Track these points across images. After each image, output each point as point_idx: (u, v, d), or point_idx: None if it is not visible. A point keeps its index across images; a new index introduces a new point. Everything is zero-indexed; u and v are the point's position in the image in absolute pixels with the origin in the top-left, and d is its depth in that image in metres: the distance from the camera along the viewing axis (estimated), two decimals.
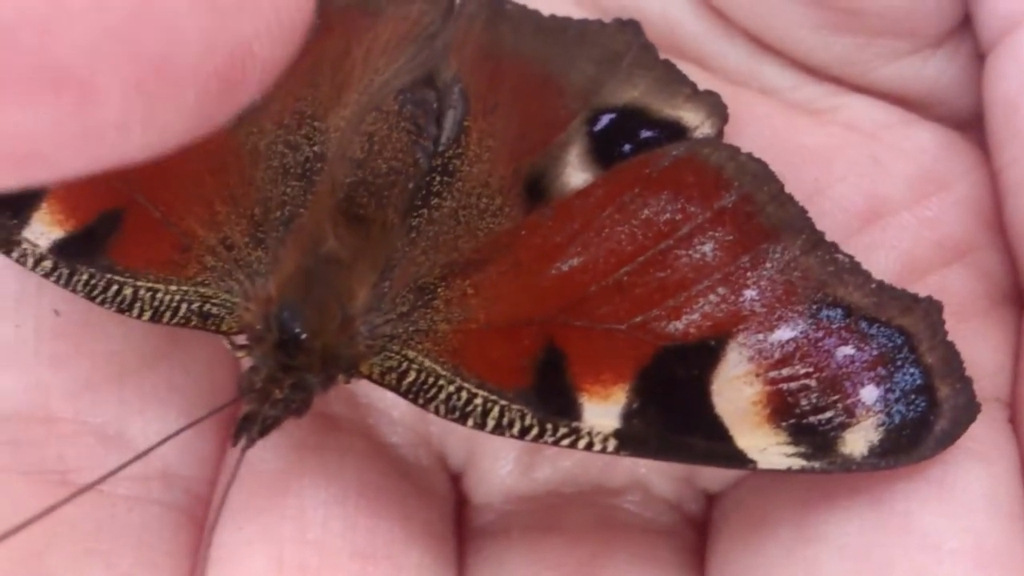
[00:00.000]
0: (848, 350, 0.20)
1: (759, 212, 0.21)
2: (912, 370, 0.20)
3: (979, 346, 0.22)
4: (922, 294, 0.21)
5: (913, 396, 0.20)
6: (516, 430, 0.20)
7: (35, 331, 0.22)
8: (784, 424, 0.20)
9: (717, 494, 0.23)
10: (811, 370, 0.20)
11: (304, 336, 0.20)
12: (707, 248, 0.21)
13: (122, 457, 0.21)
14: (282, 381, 0.20)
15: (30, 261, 0.21)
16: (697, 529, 0.23)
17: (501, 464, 0.23)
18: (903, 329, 0.20)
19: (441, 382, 0.20)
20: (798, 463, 0.20)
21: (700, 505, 0.23)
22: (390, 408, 0.23)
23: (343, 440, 0.23)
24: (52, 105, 0.13)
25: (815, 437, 0.20)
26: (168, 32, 0.13)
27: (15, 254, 0.21)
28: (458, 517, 0.24)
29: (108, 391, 0.21)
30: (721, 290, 0.21)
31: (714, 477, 0.23)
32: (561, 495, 0.23)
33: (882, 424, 0.20)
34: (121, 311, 0.21)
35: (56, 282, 0.21)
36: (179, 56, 0.13)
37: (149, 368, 0.22)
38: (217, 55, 0.14)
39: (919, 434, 0.20)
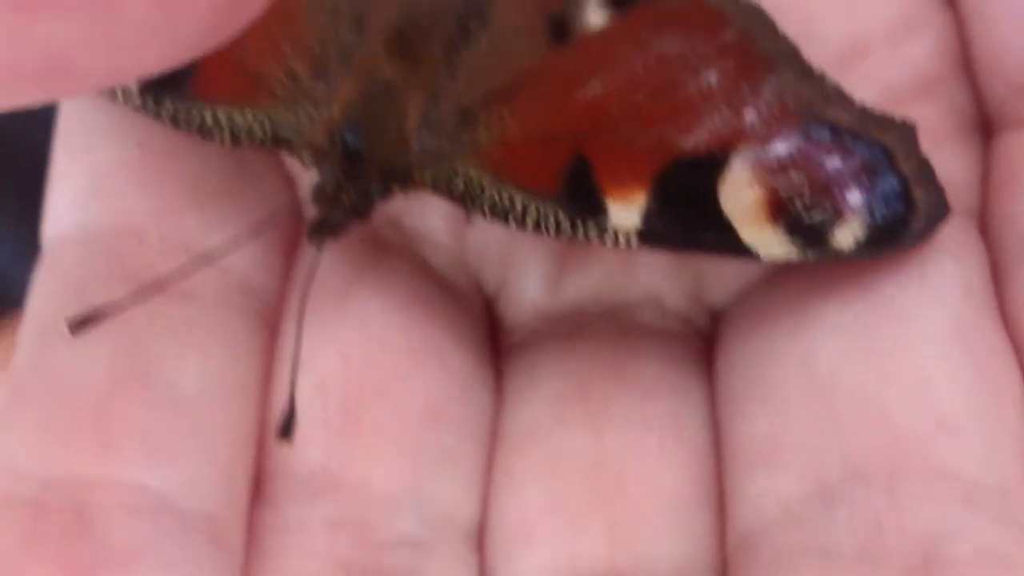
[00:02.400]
0: (835, 161, 0.23)
1: (756, 46, 0.24)
2: (891, 178, 0.23)
3: (950, 167, 0.25)
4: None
5: (892, 199, 0.23)
6: (551, 228, 0.23)
7: (122, 161, 0.24)
8: (782, 222, 0.23)
9: (722, 311, 0.26)
10: (803, 178, 0.23)
11: (365, 150, 0.23)
12: (712, 77, 0.24)
13: (203, 272, 0.23)
14: (348, 189, 0.23)
15: (120, 96, 0.24)
16: (705, 340, 0.26)
17: (531, 286, 0.26)
18: (882, 144, 0.23)
19: (486, 189, 0.23)
20: (794, 252, 0.23)
21: (707, 321, 0.26)
22: (433, 234, 0.26)
23: (393, 260, 0.25)
24: (83, 15, 0.14)
25: (808, 233, 0.23)
26: None
27: (106, 93, 0.24)
28: (493, 336, 0.27)
29: (190, 212, 0.24)
30: (725, 111, 0.24)
31: (720, 293, 0.26)
32: (585, 312, 0.26)
33: (865, 222, 0.23)
34: (201, 134, 0.23)
35: (146, 113, 0.24)
36: None
37: (224, 192, 0.25)
38: None
39: (898, 231, 0.23)
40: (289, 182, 0.26)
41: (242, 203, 0.25)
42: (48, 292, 0.23)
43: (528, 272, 0.26)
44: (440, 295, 0.25)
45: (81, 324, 0.22)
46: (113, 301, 0.22)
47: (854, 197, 0.23)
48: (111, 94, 0.24)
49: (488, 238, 0.26)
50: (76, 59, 0.15)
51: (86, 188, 0.24)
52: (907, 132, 0.24)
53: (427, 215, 0.26)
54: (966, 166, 0.25)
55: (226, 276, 0.24)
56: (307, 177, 0.24)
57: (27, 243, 0.25)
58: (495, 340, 0.26)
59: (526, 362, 0.26)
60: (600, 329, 0.26)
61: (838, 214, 0.23)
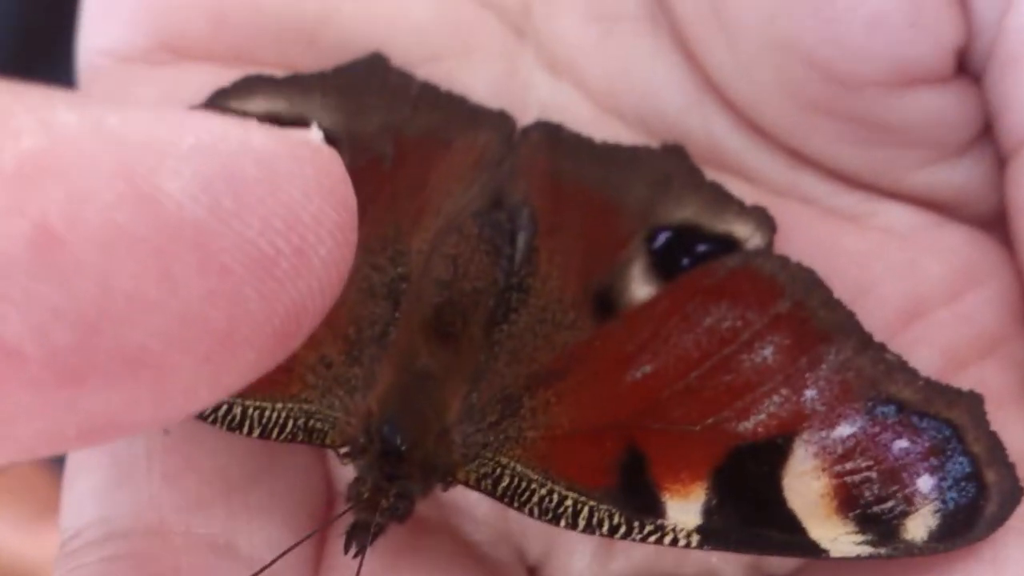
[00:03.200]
0: (903, 443, 0.22)
1: (812, 317, 0.23)
2: (961, 459, 0.22)
3: (1015, 432, 0.23)
4: (964, 387, 0.23)
5: (964, 483, 0.22)
6: (606, 529, 0.21)
7: (147, 450, 0.23)
8: (851, 515, 0.22)
9: None
10: (871, 463, 0.22)
11: (405, 448, 0.21)
12: (767, 352, 0.23)
13: (232, 566, 0.22)
14: (387, 491, 0.21)
15: None
16: None
17: (578, 557, 0.25)
18: (950, 422, 0.22)
19: (533, 486, 0.22)
20: (866, 550, 0.21)
21: None
22: (472, 508, 0.25)
23: (432, 541, 0.24)
24: (130, 384, 0.14)
25: (879, 525, 0.21)
26: (234, 306, 0.14)
27: None
28: None
29: (216, 504, 0.23)
30: (783, 390, 0.22)
31: (780, 563, 0.25)
32: None
33: (938, 510, 0.21)
34: (231, 429, 0.22)
35: None
36: (243, 325, 0.15)
37: (252, 481, 0.23)
38: (276, 318, 0.15)
39: (972, 518, 0.22)
40: (318, 461, 0.25)
41: (270, 491, 0.23)
42: None
43: (576, 545, 0.25)
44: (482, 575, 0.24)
45: None
46: None
47: (924, 482, 0.22)
48: None
49: None
50: (121, 419, 0.14)
51: (108, 480, 0.23)
52: (974, 405, 0.22)
53: (466, 489, 0.25)
54: None
55: (254, 567, 0.22)
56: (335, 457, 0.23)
57: None
58: None
59: None
60: None
61: (909, 502, 0.22)
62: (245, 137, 0.15)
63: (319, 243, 0.15)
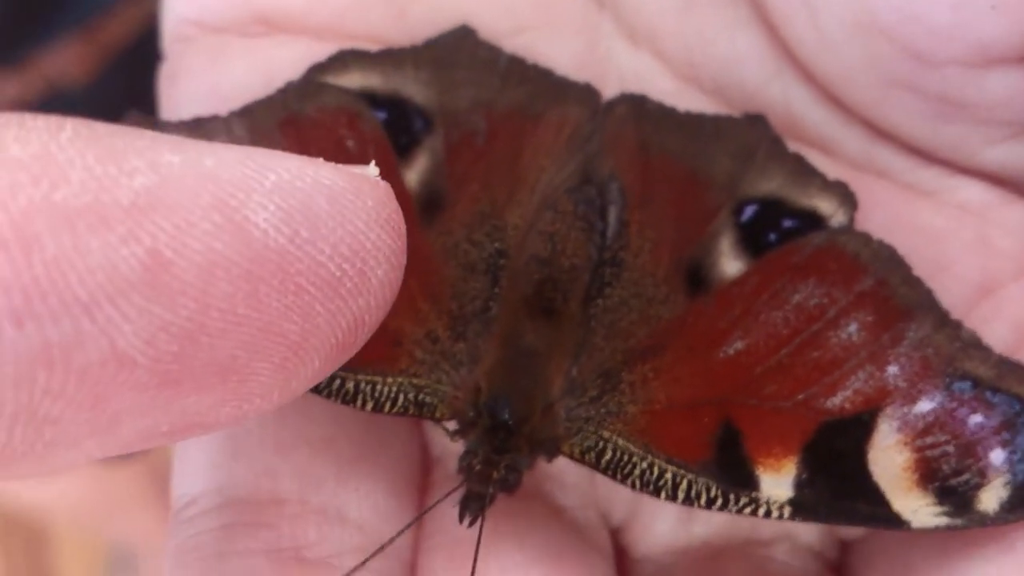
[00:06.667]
0: (978, 418, 0.23)
1: (894, 294, 0.24)
2: None
3: None
4: None
5: None
6: (703, 501, 0.23)
7: (260, 423, 0.24)
8: (931, 487, 0.23)
9: (852, 541, 0.26)
10: (949, 437, 0.23)
11: (513, 422, 0.23)
12: (852, 328, 0.24)
13: (343, 533, 0.23)
14: (498, 463, 0.22)
15: None
16: (834, 570, 0.26)
17: (661, 520, 0.26)
18: (1021, 397, 0.23)
19: (635, 459, 0.23)
20: (944, 521, 0.23)
21: (837, 552, 0.26)
22: (562, 475, 0.26)
23: (527, 506, 0.25)
24: (218, 388, 0.16)
25: (956, 497, 0.23)
26: (306, 321, 0.17)
27: None
28: (620, 569, 0.26)
29: (327, 474, 0.24)
30: (868, 366, 0.23)
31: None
32: (716, 548, 0.26)
33: (1008, 482, 0.23)
34: (345, 403, 0.23)
35: None
36: (312, 336, 0.17)
37: (358, 450, 0.24)
38: (339, 330, 0.17)
39: None
40: (414, 429, 0.26)
41: (374, 460, 0.24)
42: (187, 563, 0.23)
43: (658, 509, 0.26)
44: (573, 540, 0.25)
45: None
46: None
47: (997, 456, 0.23)
48: None
49: None
50: (206, 418, 0.16)
51: (223, 450, 0.24)
52: None
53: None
54: None
55: (364, 537, 0.23)
56: (436, 431, 0.24)
57: None
58: (621, 570, 0.26)
59: None
60: (732, 569, 0.25)
61: (983, 475, 0.23)
62: (317, 175, 0.17)
63: (377, 266, 0.17)
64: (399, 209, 0.18)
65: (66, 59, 0.50)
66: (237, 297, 0.16)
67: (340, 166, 0.17)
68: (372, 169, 0.18)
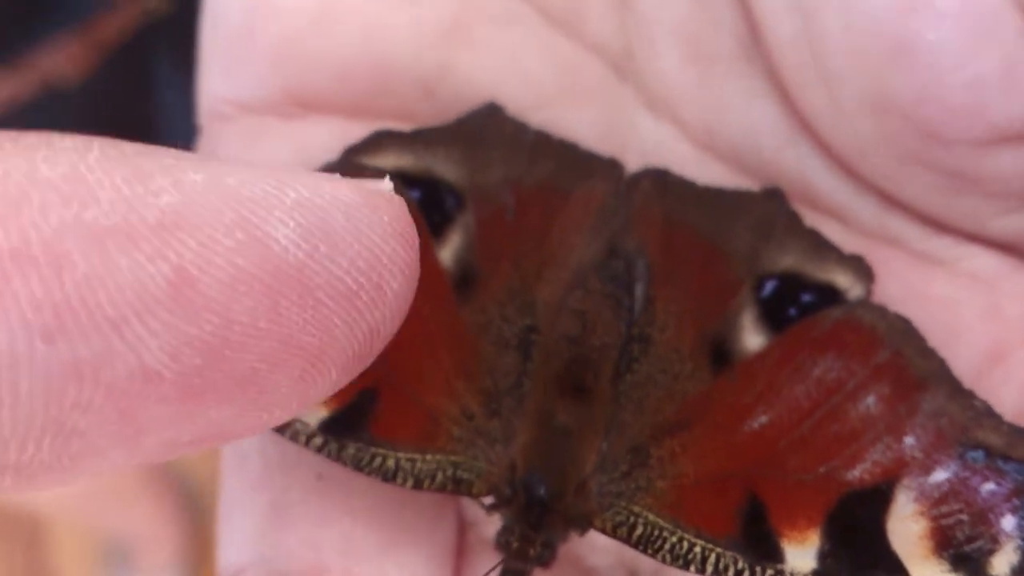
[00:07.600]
0: (990, 486, 0.24)
1: (909, 365, 0.25)
2: None
3: None
4: None
5: None
6: (731, 574, 0.24)
7: (303, 493, 0.25)
8: (946, 554, 0.24)
9: None
10: (963, 505, 0.24)
11: (548, 499, 0.24)
12: (870, 400, 0.25)
13: None
14: (535, 540, 0.23)
15: (302, 438, 0.24)
16: None
17: None
18: None
19: (664, 533, 0.24)
20: None
21: None
22: (593, 537, 0.27)
23: (559, 570, 0.26)
24: (239, 399, 0.17)
25: (970, 563, 0.24)
26: (324, 333, 0.17)
27: (288, 433, 0.24)
28: None
29: (369, 543, 0.25)
30: (886, 438, 0.24)
31: None
32: None
33: (1020, 547, 0.24)
34: (386, 480, 0.24)
35: (327, 456, 0.24)
36: (330, 348, 0.17)
37: (397, 519, 0.25)
38: (356, 342, 0.18)
39: None
40: (449, 496, 0.27)
41: (413, 528, 0.25)
42: None
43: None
44: None
45: None
46: None
47: (1008, 522, 0.24)
48: (291, 436, 0.24)
49: None
50: (226, 429, 0.17)
51: (267, 520, 0.25)
52: None
53: None
54: None
55: None
56: (473, 504, 0.25)
57: None
58: None
59: None
60: None
61: (995, 541, 0.24)
62: (334, 191, 0.17)
63: (392, 278, 0.18)
64: (412, 223, 0.18)
65: (61, 58, 0.50)
66: (259, 311, 0.16)
67: (356, 181, 0.18)
68: (387, 184, 0.18)
